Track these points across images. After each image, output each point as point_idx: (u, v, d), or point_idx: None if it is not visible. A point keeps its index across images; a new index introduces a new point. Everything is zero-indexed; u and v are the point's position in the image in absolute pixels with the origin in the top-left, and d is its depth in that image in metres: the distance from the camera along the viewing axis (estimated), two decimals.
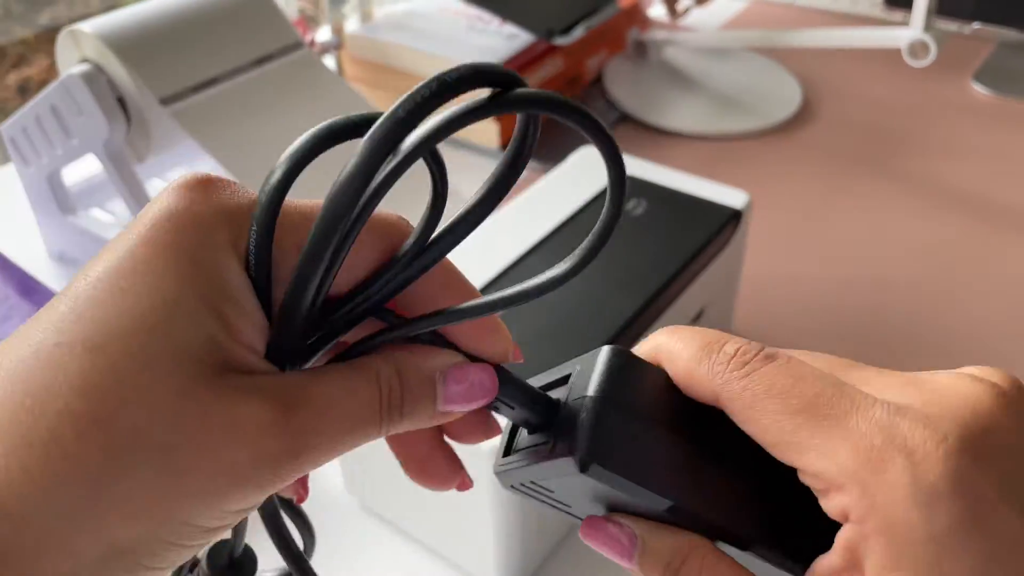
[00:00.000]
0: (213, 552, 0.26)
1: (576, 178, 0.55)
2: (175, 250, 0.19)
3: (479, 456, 0.38)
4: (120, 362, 0.18)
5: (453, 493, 0.42)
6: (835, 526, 0.21)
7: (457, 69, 0.19)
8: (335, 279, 0.20)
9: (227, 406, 0.19)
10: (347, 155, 0.20)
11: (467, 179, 0.78)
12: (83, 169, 0.72)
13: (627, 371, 0.23)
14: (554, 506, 0.26)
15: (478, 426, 0.25)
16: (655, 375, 0.24)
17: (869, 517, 0.20)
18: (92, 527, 0.18)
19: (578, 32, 0.75)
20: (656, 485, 0.22)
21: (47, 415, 0.18)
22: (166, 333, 0.18)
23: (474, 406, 0.23)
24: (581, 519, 0.25)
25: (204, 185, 0.20)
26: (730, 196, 0.53)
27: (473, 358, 0.23)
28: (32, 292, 0.56)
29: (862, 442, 0.20)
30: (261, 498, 0.20)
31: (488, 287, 0.46)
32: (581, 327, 0.43)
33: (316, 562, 0.46)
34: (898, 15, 1.05)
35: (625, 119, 0.86)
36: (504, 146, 0.81)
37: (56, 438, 0.18)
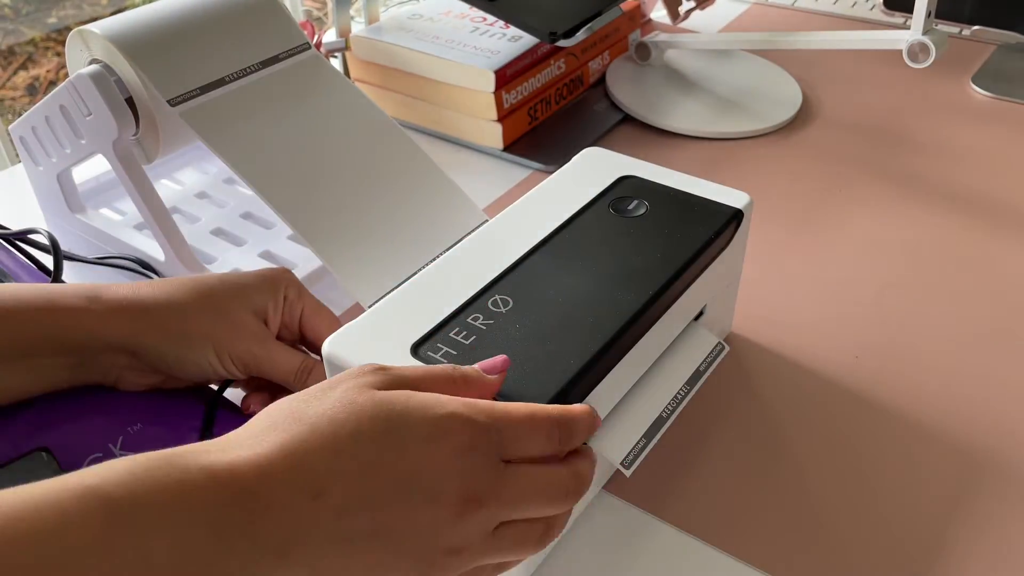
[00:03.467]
0: None
1: (580, 178, 0.56)
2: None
3: None
4: (231, 285, 0.47)
5: None
6: None
7: None
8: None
9: (253, 319, 0.47)
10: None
11: (470, 178, 0.79)
12: (93, 168, 0.73)
13: None
14: None
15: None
16: None
17: None
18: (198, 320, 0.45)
19: (581, 35, 0.76)
20: None
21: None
22: (248, 291, 0.47)
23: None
24: None
25: None
26: (731, 196, 0.54)
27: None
28: None
29: None
30: (239, 371, 0.47)
31: (493, 284, 0.47)
32: (583, 326, 0.44)
33: None
34: (898, 17, 1.05)
35: (627, 120, 0.87)
36: (507, 148, 0.82)
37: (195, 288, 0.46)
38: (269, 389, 0.49)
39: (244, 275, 0.48)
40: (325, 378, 0.39)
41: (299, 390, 0.38)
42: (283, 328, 0.49)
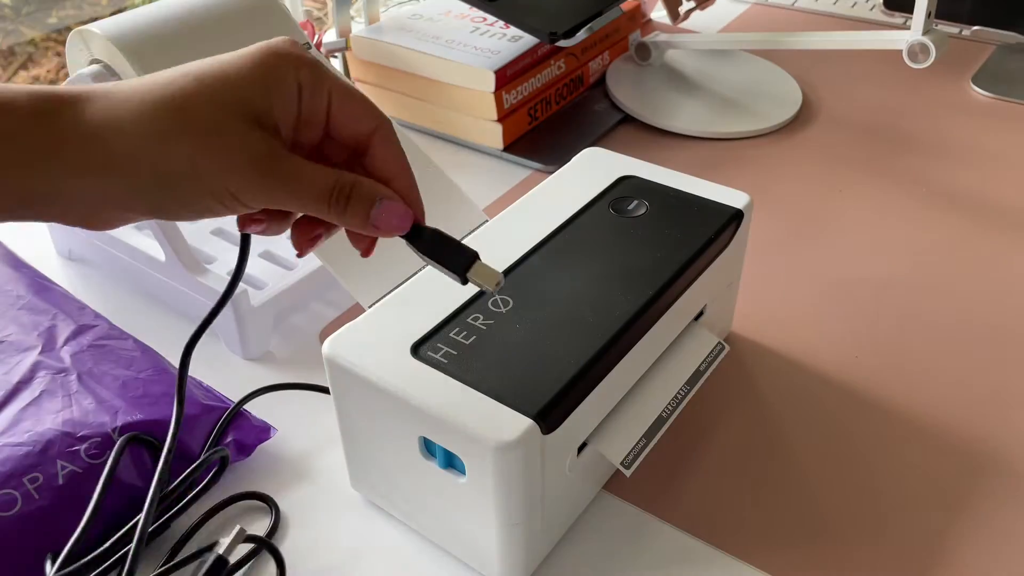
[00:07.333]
0: None
1: (580, 178, 0.56)
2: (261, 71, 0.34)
3: (484, 453, 0.39)
4: (215, 88, 0.33)
5: (456, 490, 0.43)
6: None
7: None
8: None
9: (253, 132, 0.33)
10: None
11: (470, 178, 0.79)
12: None
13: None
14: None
15: (367, 242, 0.39)
16: None
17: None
18: (175, 144, 0.32)
19: (581, 35, 0.76)
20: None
21: (177, 84, 0.33)
22: (241, 92, 0.33)
23: (392, 232, 0.36)
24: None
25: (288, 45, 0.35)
26: (731, 196, 0.54)
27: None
28: (45, 291, 0.56)
29: None
30: (244, 202, 0.34)
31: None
32: (583, 326, 0.44)
33: (321, 556, 0.47)
34: (898, 17, 1.05)
35: (627, 120, 0.87)
36: (507, 148, 0.82)
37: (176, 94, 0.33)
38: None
39: (230, 64, 0.34)
40: (370, 198, 0.34)
41: (338, 221, 0.35)
42: (303, 128, 0.35)
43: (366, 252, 0.38)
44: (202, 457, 0.48)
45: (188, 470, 0.47)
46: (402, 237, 0.37)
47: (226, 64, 0.34)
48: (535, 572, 0.45)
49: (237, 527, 0.44)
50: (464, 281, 0.37)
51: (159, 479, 0.44)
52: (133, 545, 0.42)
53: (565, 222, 0.52)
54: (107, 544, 0.43)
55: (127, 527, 0.44)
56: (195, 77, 0.33)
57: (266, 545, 0.46)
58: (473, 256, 0.37)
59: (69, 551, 0.42)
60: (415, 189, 0.37)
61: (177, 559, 0.44)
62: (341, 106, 0.35)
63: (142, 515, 0.43)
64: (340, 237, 0.38)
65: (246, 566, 0.45)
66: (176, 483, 0.46)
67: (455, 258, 0.37)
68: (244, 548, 0.45)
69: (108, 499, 0.44)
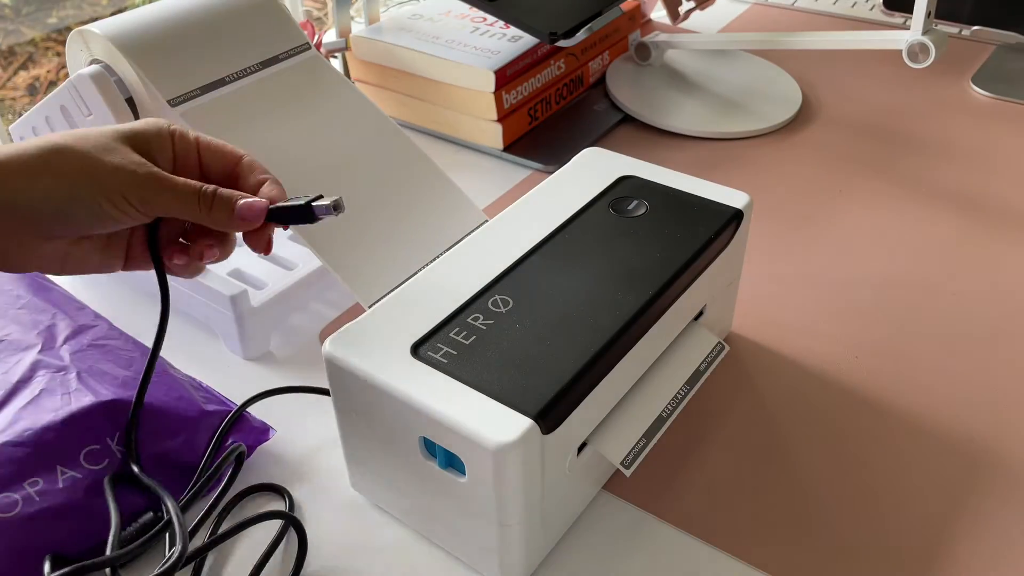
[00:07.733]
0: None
1: (580, 178, 0.56)
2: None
3: (484, 453, 0.39)
4: (102, 130, 0.42)
5: (456, 490, 0.43)
6: None
7: None
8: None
9: (136, 155, 0.41)
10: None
11: (470, 178, 0.79)
12: None
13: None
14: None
15: (263, 241, 0.45)
16: None
17: None
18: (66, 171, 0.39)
19: (581, 35, 0.76)
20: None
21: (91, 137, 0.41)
22: (124, 132, 0.42)
23: (254, 221, 0.43)
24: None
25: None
26: (731, 196, 0.54)
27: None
28: (45, 291, 0.56)
29: None
30: (138, 210, 0.41)
31: (493, 285, 0.47)
32: (583, 326, 0.44)
33: (321, 557, 0.47)
34: (898, 17, 1.05)
35: (627, 120, 0.87)
36: (507, 148, 0.82)
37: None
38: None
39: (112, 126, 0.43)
40: (231, 203, 0.42)
41: (208, 221, 0.42)
42: (179, 166, 0.44)
43: (266, 250, 0.45)
44: (220, 458, 0.48)
45: (209, 470, 0.48)
46: (268, 222, 0.44)
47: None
48: (535, 572, 0.45)
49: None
50: (314, 219, 0.43)
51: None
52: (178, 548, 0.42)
53: (565, 222, 0.52)
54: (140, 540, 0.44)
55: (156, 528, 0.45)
56: (88, 129, 0.42)
57: (291, 521, 0.47)
58: (314, 198, 0.43)
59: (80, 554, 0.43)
60: (282, 187, 0.45)
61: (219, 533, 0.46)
62: (208, 147, 0.45)
63: (173, 514, 0.44)
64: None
65: (282, 543, 0.47)
66: (198, 484, 0.48)
67: (302, 209, 0.43)
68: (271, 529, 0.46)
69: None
